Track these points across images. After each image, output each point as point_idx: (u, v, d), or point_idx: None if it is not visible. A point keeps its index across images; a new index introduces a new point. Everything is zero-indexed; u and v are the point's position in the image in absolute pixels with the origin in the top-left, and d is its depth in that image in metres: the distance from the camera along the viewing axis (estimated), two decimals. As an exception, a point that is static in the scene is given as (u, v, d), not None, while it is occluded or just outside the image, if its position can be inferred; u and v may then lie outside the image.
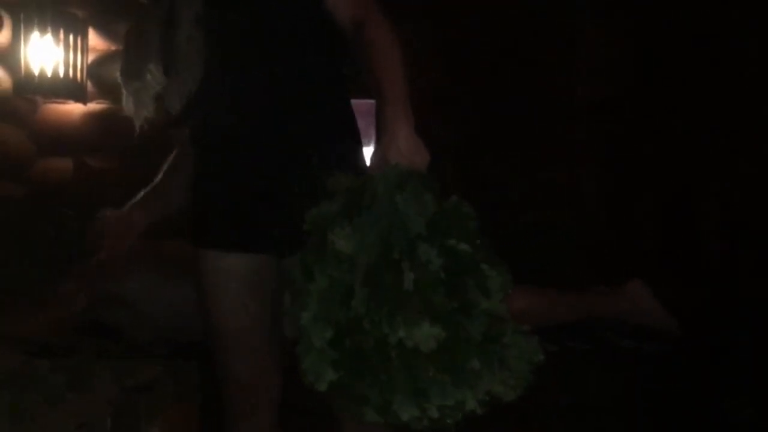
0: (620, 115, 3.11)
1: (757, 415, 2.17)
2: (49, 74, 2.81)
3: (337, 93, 1.56)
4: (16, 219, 2.66)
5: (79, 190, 2.96)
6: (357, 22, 1.44)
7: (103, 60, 3.01)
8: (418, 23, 2.90)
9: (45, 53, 2.80)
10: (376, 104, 1.39)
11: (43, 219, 2.73)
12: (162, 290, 2.36)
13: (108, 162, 3.02)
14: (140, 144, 1.81)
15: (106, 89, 2.99)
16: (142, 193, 1.68)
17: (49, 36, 2.80)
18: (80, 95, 2.95)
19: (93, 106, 3.03)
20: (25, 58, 2.80)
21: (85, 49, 2.92)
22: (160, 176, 1.69)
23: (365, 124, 1.81)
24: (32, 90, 2.87)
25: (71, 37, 2.85)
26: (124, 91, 1.62)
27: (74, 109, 3.00)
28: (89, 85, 2.99)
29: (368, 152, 1.67)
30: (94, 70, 2.99)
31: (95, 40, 3.00)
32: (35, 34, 2.79)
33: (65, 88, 2.88)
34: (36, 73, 2.81)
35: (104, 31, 3.01)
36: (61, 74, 2.84)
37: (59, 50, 2.82)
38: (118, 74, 1.64)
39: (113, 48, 2.99)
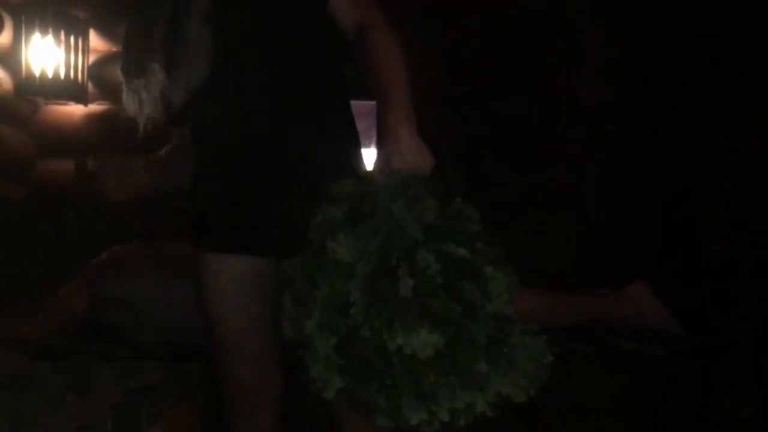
0: (620, 115, 3.12)
1: (757, 415, 2.17)
2: (50, 75, 2.81)
3: (338, 94, 1.56)
4: (17, 220, 2.67)
5: (79, 192, 2.96)
6: (360, 25, 1.44)
7: (104, 61, 3.01)
8: (418, 23, 2.90)
9: (46, 54, 2.80)
10: (378, 107, 1.38)
11: (43, 220, 2.73)
12: (162, 291, 2.36)
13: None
14: (141, 146, 1.80)
15: (107, 90, 2.99)
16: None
17: (50, 37, 2.80)
18: (81, 96, 2.95)
19: (94, 107, 3.03)
20: (26, 59, 2.80)
21: (86, 51, 2.91)
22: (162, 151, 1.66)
23: (366, 126, 1.81)
24: (33, 91, 2.87)
25: (72, 39, 2.85)
26: (124, 89, 1.61)
27: (75, 110, 3.01)
28: (90, 86, 2.99)
29: (368, 154, 1.67)
30: (95, 72, 2.99)
31: (96, 42, 3.00)
32: (36, 36, 2.79)
33: (66, 90, 2.88)
34: (37, 74, 2.80)
35: (105, 32, 3.01)
36: (62, 75, 2.84)
37: (60, 51, 2.82)
38: (119, 71, 1.63)
39: (114, 49, 2.99)
